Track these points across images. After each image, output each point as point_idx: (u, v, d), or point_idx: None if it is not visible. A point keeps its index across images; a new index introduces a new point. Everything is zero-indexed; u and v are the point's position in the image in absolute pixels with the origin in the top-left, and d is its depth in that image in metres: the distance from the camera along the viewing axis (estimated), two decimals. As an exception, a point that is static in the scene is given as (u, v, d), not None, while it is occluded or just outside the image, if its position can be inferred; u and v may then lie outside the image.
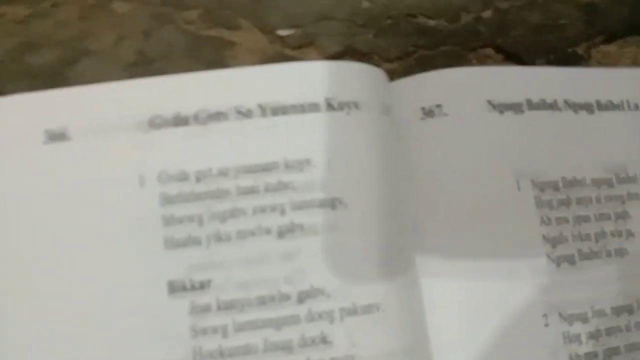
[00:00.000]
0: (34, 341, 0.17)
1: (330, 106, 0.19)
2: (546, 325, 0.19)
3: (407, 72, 0.23)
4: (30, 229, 0.18)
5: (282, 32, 0.24)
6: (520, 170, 0.21)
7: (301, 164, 0.18)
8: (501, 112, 0.21)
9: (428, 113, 0.21)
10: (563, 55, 0.26)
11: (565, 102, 0.22)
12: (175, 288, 0.18)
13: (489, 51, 0.26)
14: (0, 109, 0.18)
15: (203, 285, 0.18)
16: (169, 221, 0.18)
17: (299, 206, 0.18)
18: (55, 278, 0.17)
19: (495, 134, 0.21)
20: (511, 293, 0.19)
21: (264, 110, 0.19)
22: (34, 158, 0.18)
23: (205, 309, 0.17)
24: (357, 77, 0.20)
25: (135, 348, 0.17)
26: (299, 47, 0.24)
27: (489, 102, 0.21)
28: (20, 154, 0.18)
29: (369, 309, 0.18)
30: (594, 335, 0.20)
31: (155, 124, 0.18)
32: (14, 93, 0.20)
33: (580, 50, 0.25)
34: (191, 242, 0.18)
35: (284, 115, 0.19)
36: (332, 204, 0.18)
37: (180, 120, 0.18)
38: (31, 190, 0.18)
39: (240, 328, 0.17)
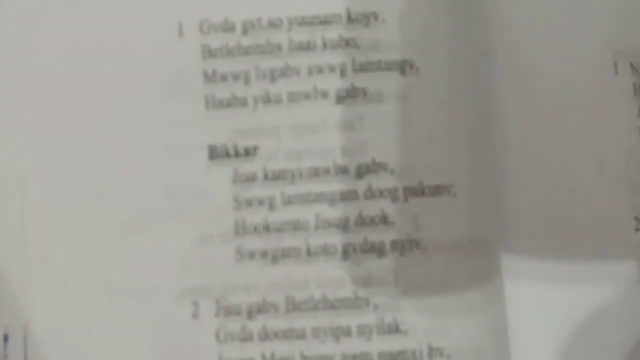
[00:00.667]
0: (55, 214, 0.15)
1: (405, -51, 0.16)
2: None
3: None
4: (49, 92, 0.16)
5: None
6: (619, 51, 0.18)
7: (367, 18, 0.16)
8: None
9: None
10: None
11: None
12: (216, 153, 0.15)
13: None
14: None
15: (248, 152, 0.15)
16: (210, 78, 0.16)
17: (362, 67, 0.16)
18: (77, 146, 0.16)
19: (592, 4, 0.18)
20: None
21: (325, -50, 0.16)
22: (58, 3, 0.16)
23: (251, 178, 0.15)
24: None
25: (168, 221, 0.15)
26: None
27: None
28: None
29: (437, 191, 0.15)
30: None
31: None
32: None
33: None
34: (236, 102, 0.16)
35: None
36: (401, 67, 0.16)
37: None
38: (51, 43, 0.16)
39: (290, 201, 0.15)
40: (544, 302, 0.16)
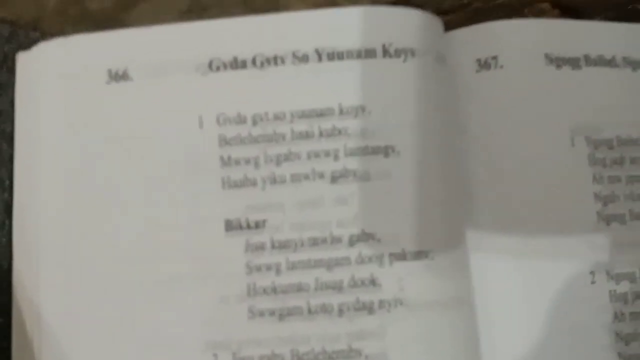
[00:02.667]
0: (93, 274, 0.18)
1: (386, 52, 0.19)
2: (593, 282, 0.19)
3: (461, 24, 0.22)
4: (90, 170, 0.18)
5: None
6: (576, 127, 0.20)
7: (356, 111, 0.18)
8: (558, 66, 0.20)
9: (484, 65, 0.20)
10: (623, 12, 0.25)
11: (624, 59, 0.21)
12: (231, 226, 0.18)
13: (546, 6, 0.25)
14: (65, 48, 0.19)
15: (258, 225, 0.18)
16: (226, 162, 0.18)
17: (352, 152, 0.18)
18: (114, 216, 0.18)
19: (552, 89, 0.20)
20: (559, 249, 0.19)
21: (320, 55, 0.19)
22: (97, 97, 0.19)
23: (260, 247, 0.18)
24: (414, 23, 0.19)
25: (192, 284, 0.18)
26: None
27: (547, 56, 0.20)
28: (84, 93, 0.19)
29: (418, 256, 0.18)
30: (641, 295, 0.20)
31: (214, 66, 0.19)
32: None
33: (642, 5, 0.25)
34: (247, 183, 0.18)
35: (340, 60, 0.19)
36: (385, 151, 0.18)
37: (238, 64, 0.19)
38: (93, 130, 0.18)
39: (293, 267, 0.18)
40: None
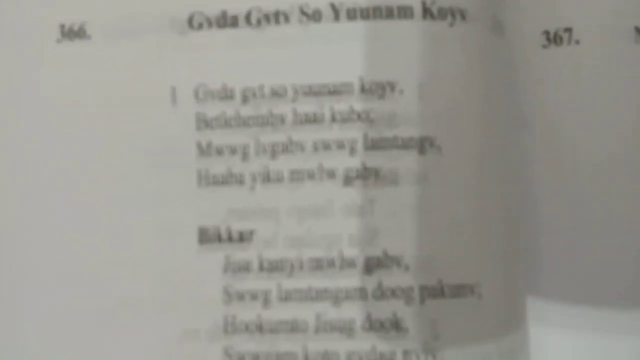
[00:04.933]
0: (21, 296, 0.14)
1: (427, 12, 0.14)
2: None
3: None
4: (30, 152, 0.14)
5: None
6: None
7: (382, 88, 0.14)
8: (653, 44, 0.16)
9: (553, 39, 0.16)
10: None
11: None
12: (207, 237, 0.14)
13: None
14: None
15: (243, 237, 0.14)
16: (205, 150, 0.14)
17: (375, 144, 0.14)
18: (54, 216, 0.14)
19: (635, 68, 0.16)
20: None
21: (337, 11, 0.14)
22: (44, 60, 0.15)
23: (244, 267, 0.14)
24: (468, -24, 0.15)
25: (151, 312, 0.14)
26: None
27: (637, 30, 0.16)
28: (30, 54, 0.15)
29: (459, 291, 0.13)
30: None
31: (196, 23, 0.14)
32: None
33: None
34: (231, 179, 0.14)
35: (363, 20, 0.14)
36: (420, 145, 0.14)
37: (227, 20, 0.14)
38: (37, 103, 0.15)
39: (287, 297, 0.13)
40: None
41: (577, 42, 0.16)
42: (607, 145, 0.16)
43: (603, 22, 0.16)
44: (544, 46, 0.16)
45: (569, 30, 0.16)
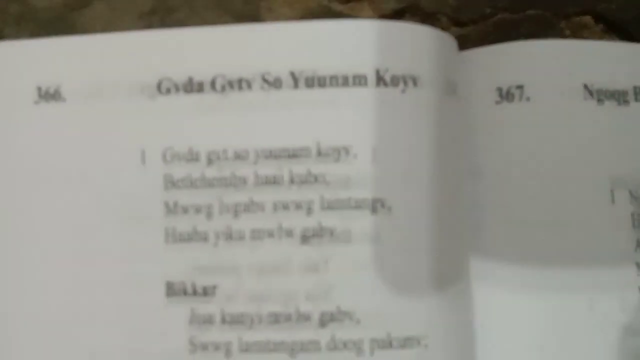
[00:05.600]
0: (17, 338, 0.15)
1: (381, 80, 0.15)
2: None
3: (482, 40, 0.19)
4: (5, 208, 0.15)
5: (331, -19, 0.20)
6: (618, 179, 0.17)
7: (338, 152, 0.15)
8: (600, 101, 0.17)
9: (506, 96, 0.16)
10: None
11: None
12: (174, 291, 0.15)
13: (587, 20, 0.21)
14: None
15: (207, 292, 0.15)
16: (172, 210, 0.15)
17: (330, 205, 0.15)
18: (27, 268, 0.15)
19: (591, 130, 0.17)
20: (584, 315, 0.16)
21: (296, 80, 0.15)
22: (22, 120, 0.15)
23: (207, 320, 0.15)
24: (418, 43, 0.15)
25: (123, 357, 0.14)
26: (349, 0, 0.20)
27: (586, 88, 0.16)
28: (7, 114, 0.16)
29: (407, 343, 0.14)
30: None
31: (164, 88, 0.15)
32: (13, 38, 0.18)
33: None
34: (197, 237, 0.15)
35: (320, 88, 0.15)
36: (372, 206, 0.15)
37: (193, 86, 0.15)
38: (14, 161, 0.15)
39: (247, 348, 0.14)
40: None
41: (528, 99, 0.16)
42: (556, 195, 0.16)
43: (553, 80, 0.17)
44: (497, 102, 0.16)
45: (520, 87, 0.16)
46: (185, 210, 0.15)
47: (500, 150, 0.16)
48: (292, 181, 0.15)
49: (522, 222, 0.16)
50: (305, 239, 0.15)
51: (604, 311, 0.15)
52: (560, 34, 0.20)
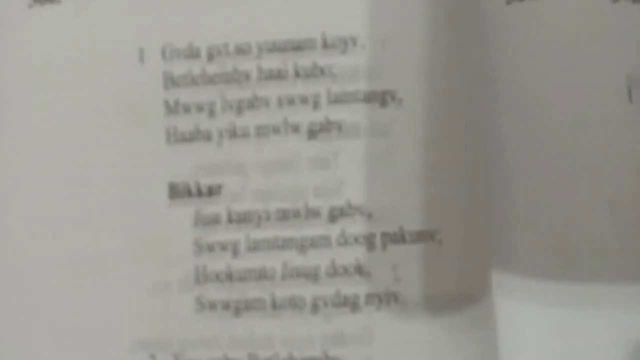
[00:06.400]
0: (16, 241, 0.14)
1: (390, -35, 0.15)
2: None
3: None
4: (5, 109, 0.15)
5: None
6: (635, 77, 0.16)
7: (345, 43, 0.14)
8: (616, -2, 0.16)
9: None
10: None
11: None
12: (177, 192, 0.14)
13: None
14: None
15: (212, 191, 0.14)
16: (172, 109, 0.14)
17: (338, 99, 0.14)
18: (26, 172, 0.14)
19: (606, 28, 0.16)
20: None
21: (299, -35, 0.15)
22: (16, 24, 0.15)
23: (213, 220, 0.14)
24: None
25: (123, 265, 0.14)
26: None
27: None
28: (2, 17, 0.15)
29: (420, 238, 0.14)
30: None
31: None
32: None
33: None
34: (199, 136, 0.14)
35: None
36: (382, 98, 0.14)
37: None
38: (10, 64, 0.15)
39: (255, 247, 0.14)
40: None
41: (542, -5, 0.16)
42: (571, 95, 0.16)
43: (567, -24, 0.17)
44: (508, 2, 0.16)
45: (534, -18, 0.16)
46: (186, 108, 0.14)
47: (511, 51, 0.16)
48: (297, 75, 0.14)
49: (537, 129, 0.16)
50: (312, 134, 0.14)
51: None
52: None
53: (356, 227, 0.14)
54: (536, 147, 0.15)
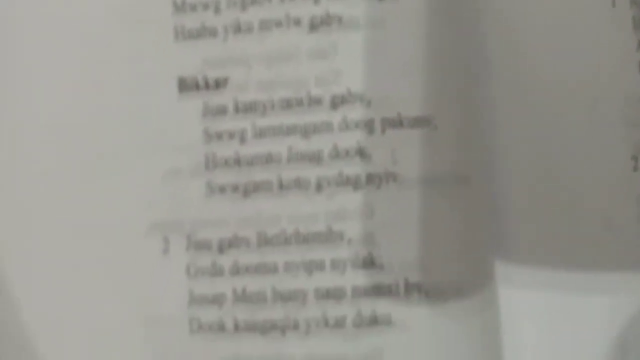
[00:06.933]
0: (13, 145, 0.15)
1: None
2: None
3: None
4: (11, 15, 0.15)
5: None
6: None
7: (343, -62, 0.15)
8: None
9: None
10: None
11: None
12: (186, 86, 0.15)
13: None
14: None
15: (219, 84, 0.15)
16: (179, 7, 0.15)
17: (336, -8, 0.15)
18: (43, 69, 0.15)
19: None
20: None
21: None
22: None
23: (221, 110, 0.15)
24: None
25: (136, 155, 0.15)
26: None
27: None
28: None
29: (416, 123, 0.14)
30: None
31: None
32: None
33: None
34: (205, 32, 0.15)
35: None
36: (379, -8, 0.15)
37: None
38: None
39: (261, 133, 0.15)
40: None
41: None
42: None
43: None
44: None
45: None
46: (193, 7, 0.15)
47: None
48: (297, -30, 0.15)
49: (525, 25, 0.16)
50: (313, 26, 0.15)
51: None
52: None
53: (356, 113, 0.15)
54: (524, 42, 0.15)
